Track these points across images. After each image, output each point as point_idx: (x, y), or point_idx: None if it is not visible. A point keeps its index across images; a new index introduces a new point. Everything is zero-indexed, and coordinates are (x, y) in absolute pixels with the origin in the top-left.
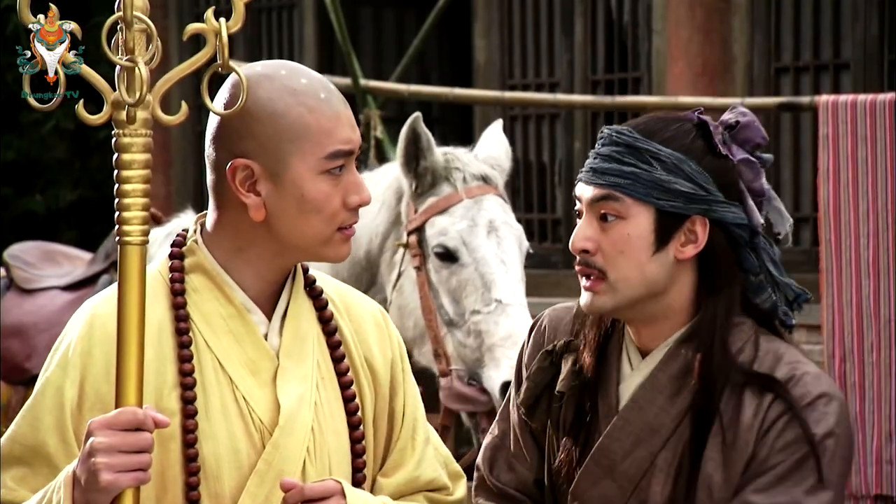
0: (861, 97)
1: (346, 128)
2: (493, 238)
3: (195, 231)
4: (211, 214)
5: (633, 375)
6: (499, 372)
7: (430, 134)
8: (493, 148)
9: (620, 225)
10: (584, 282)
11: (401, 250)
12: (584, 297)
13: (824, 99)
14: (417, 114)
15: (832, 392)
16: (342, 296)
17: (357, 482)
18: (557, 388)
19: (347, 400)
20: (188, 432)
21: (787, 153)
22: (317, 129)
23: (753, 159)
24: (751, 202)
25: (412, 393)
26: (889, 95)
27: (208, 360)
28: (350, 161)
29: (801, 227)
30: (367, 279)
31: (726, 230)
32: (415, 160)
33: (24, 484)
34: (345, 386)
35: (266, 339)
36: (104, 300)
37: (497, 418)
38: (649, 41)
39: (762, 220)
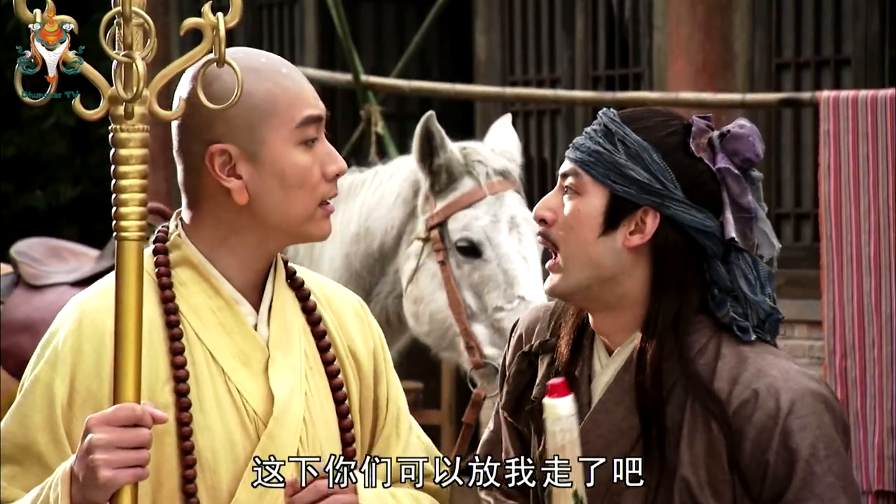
0: (862, 93)
1: (311, 97)
2: (514, 234)
3: (176, 226)
4: (187, 211)
5: (602, 373)
6: None
7: (443, 132)
8: (505, 142)
9: (576, 200)
10: (548, 262)
11: (416, 243)
12: (546, 281)
13: (825, 95)
14: (431, 112)
15: (800, 386)
16: (321, 287)
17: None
18: (533, 395)
19: (335, 389)
20: (183, 425)
21: (788, 149)
22: (285, 102)
23: (737, 172)
24: (729, 215)
25: (395, 381)
26: (890, 91)
27: (200, 352)
28: (321, 131)
29: (802, 223)
30: (379, 270)
31: (683, 231)
32: (429, 157)
33: (15, 482)
34: (332, 375)
35: (255, 330)
36: (92, 296)
37: (493, 413)
38: (650, 38)
39: (733, 235)
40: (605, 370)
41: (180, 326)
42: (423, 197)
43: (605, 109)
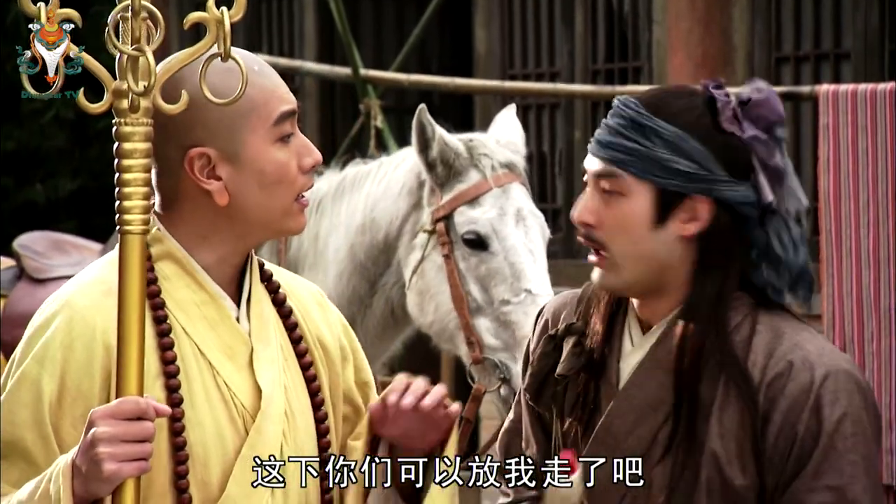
0: (861, 87)
1: (284, 91)
2: (521, 227)
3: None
4: (161, 210)
5: (633, 353)
6: None
7: (435, 124)
8: (510, 133)
9: (621, 201)
10: (591, 257)
11: (421, 235)
12: (594, 274)
13: (825, 88)
14: (422, 106)
15: (834, 363)
16: (285, 280)
17: (323, 462)
18: (558, 372)
19: (309, 380)
20: (175, 420)
21: (787, 143)
22: (261, 100)
23: (765, 137)
24: (762, 179)
25: (364, 363)
26: (889, 85)
27: (187, 347)
28: (295, 124)
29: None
30: (384, 261)
31: (731, 209)
32: (426, 150)
33: (1, 478)
34: (305, 367)
35: (238, 324)
36: (78, 291)
37: (513, 403)
38: (650, 31)
39: (772, 198)
40: (638, 348)
41: (168, 321)
42: (429, 189)
43: (622, 97)
